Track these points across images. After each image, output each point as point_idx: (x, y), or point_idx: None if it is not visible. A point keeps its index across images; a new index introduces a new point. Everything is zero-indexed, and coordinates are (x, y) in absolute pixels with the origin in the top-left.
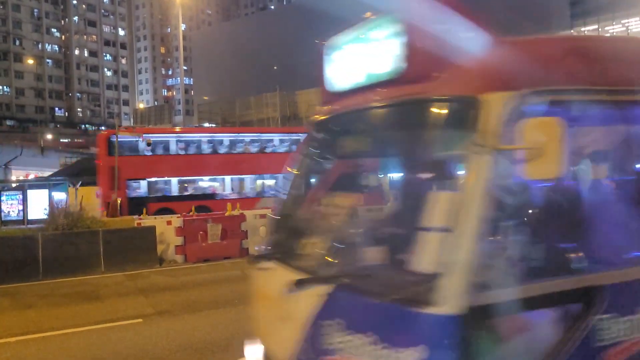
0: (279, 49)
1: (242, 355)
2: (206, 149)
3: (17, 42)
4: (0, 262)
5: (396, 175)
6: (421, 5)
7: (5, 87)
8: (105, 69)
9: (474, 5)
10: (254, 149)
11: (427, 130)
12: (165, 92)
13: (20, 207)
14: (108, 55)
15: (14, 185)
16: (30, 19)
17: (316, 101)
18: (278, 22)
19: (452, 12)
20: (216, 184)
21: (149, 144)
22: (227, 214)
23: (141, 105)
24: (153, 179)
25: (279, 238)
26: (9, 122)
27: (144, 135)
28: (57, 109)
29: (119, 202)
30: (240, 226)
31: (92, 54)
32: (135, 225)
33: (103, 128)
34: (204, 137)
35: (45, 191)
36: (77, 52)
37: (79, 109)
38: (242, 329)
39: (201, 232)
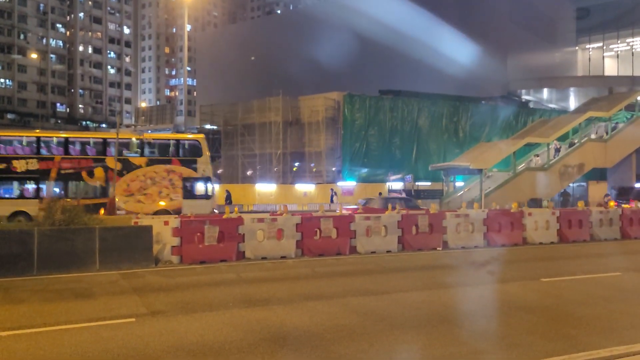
0: (283, 54)
1: None
2: None
3: (22, 36)
4: None
5: None
6: None
7: (7, 80)
8: (109, 67)
9: (482, 20)
10: None
11: None
12: (167, 92)
13: None
14: (112, 52)
15: None
16: (35, 14)
17: (318, 107)
18: (283, 27)
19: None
20: None
21: None
22: (225, 216)
23: (143, 104)
24: None
25: None
26: (10, 116)
27: None
28: (58, 104)
29: (116, 200)
30: (237, 229)
31: (97, 50)
32: (132, 224)
33: (104, 125)
34: None
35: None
36: (81, 48)
37: (80, 106)
38: (235, 333)
39: (198, 234)
